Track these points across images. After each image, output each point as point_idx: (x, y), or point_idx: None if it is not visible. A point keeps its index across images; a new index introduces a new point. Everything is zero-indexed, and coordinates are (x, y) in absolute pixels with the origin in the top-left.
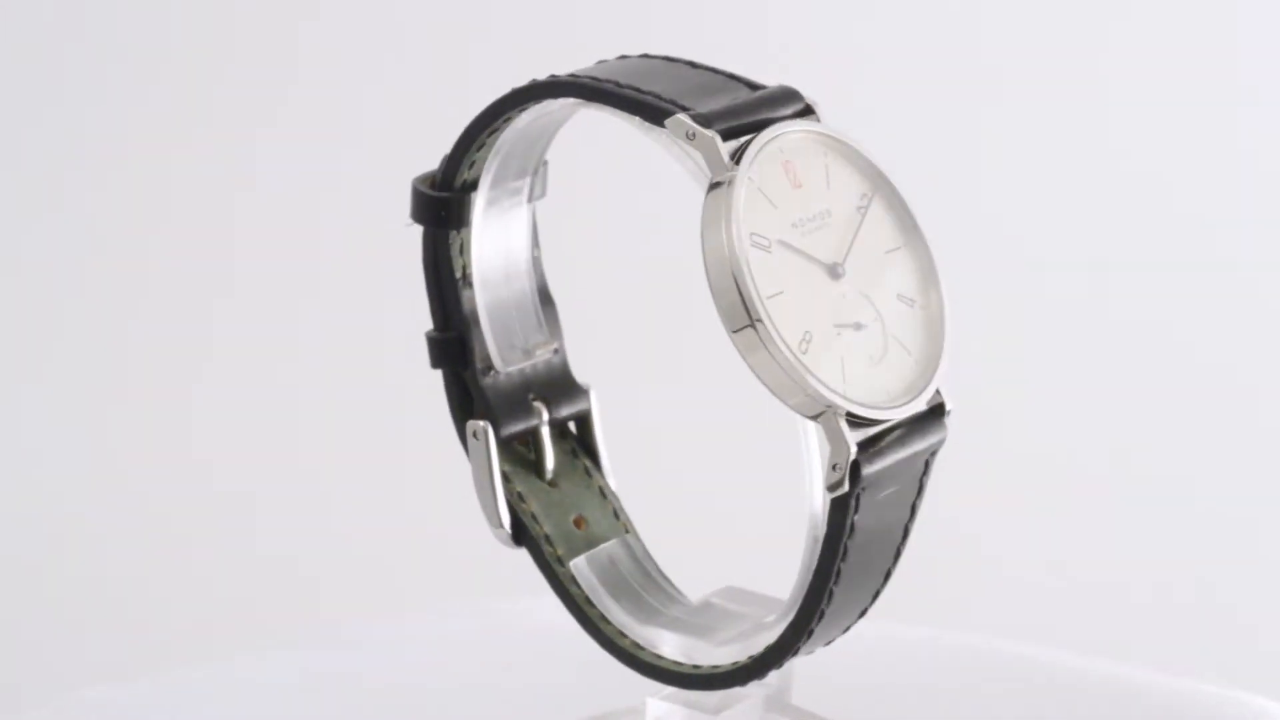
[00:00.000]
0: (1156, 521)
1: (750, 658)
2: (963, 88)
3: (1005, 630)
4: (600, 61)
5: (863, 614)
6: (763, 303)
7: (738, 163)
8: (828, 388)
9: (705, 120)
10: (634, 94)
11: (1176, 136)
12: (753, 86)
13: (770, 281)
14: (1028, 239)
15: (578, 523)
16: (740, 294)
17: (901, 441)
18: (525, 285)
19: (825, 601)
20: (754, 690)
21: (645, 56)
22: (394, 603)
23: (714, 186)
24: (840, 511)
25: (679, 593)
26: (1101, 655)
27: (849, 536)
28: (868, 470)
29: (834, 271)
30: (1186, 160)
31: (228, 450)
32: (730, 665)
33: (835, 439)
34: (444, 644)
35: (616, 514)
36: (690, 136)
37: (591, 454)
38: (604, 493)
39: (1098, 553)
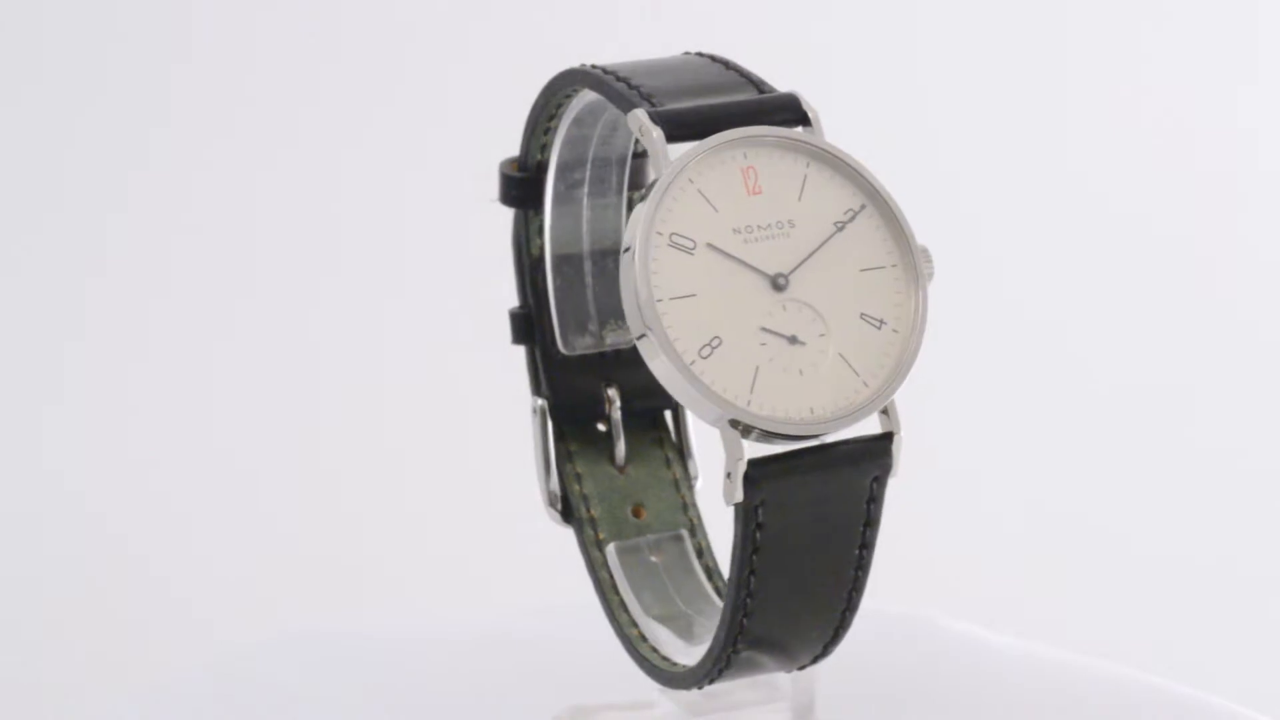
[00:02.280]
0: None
1: (698, 663)
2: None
3: (1052, 639)
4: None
5: (834, 638)
6: (655, 307)
7: None
8: (719, 396)
9: (661, 117)
10: (624, 88)
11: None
12: (761, 91)
13: (682, 283)
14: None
15: (636, 511)
16: (638, 300)
17: (824, 463)
18: (614, 273)
19: (741, 614)
20: (778, 699)
21: (698, 54)
22: (405, 590)
23: (652, 184)
24: (739, 522)
25: (720, 594)
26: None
27: (754, 551)
28: (768, 485)
29: (775, 282)
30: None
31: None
32: (690, 667)
33: (728, 446)
34: (453, 630)
35: (685, 508)
36: (641, 132)
37: (678, 446)
38: (678, 485)
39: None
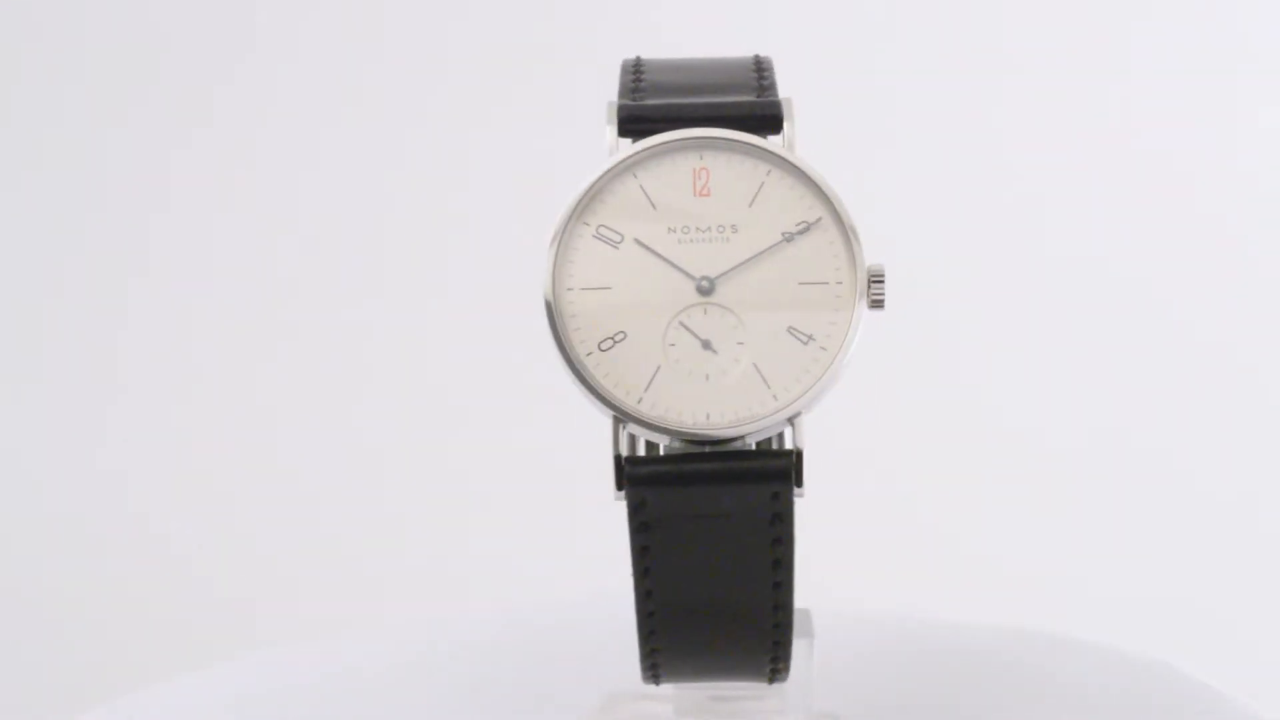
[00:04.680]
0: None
1: None
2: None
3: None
4: None
5: (777, 656)
6: (563, 295)
7: None
8: (608, 391)
9: (624, 111)
10: (631, 80)
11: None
12: (759, 96)
13: (598, 274)
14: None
15: None
16: (544, 285)
17: (719, 471)
18: None
19: (647, 613)
20: (787, 710)
21: (753, 56)
22: (438, 580)
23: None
24: (627, 518)
25: None
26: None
27: (644, 550)
28: (651, 486)
29: (699, 285)
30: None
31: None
32: None
33: (614, 443)
34: (491, 619)
35: None
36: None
37: None
38: None
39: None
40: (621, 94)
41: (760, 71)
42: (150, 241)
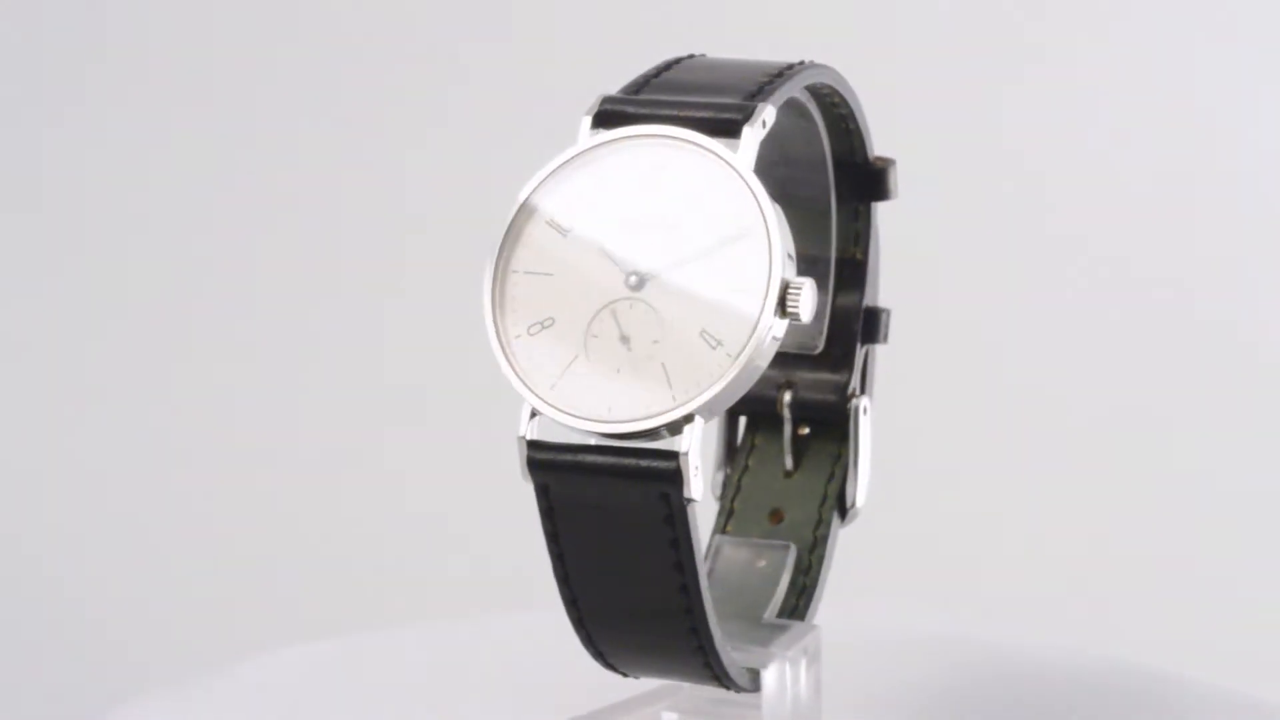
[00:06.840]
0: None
1: None
2: None
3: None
4: None
5: (710, 662)
6: (509, 278)
7: None
8: (524, 375)
9: (605, 102)
10: (647, 77)
11: None
12: (747, 98)
13: (543, 261)
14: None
15: (775, 515)
16: (491, 265)
17: (612, 466)
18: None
19: (570, 602)
20: None
21: (799, 61)
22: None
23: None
24: (535, 497)
25: (775, 615)
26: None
27: (555, 536)
28: (550, 470)
29: (629, 279)
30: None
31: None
32: None
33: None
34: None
35: (818, 524)
36: None
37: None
38: (825, 500)
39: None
40: (625, 88)
41: (772, 77)
42: (138, 247)
